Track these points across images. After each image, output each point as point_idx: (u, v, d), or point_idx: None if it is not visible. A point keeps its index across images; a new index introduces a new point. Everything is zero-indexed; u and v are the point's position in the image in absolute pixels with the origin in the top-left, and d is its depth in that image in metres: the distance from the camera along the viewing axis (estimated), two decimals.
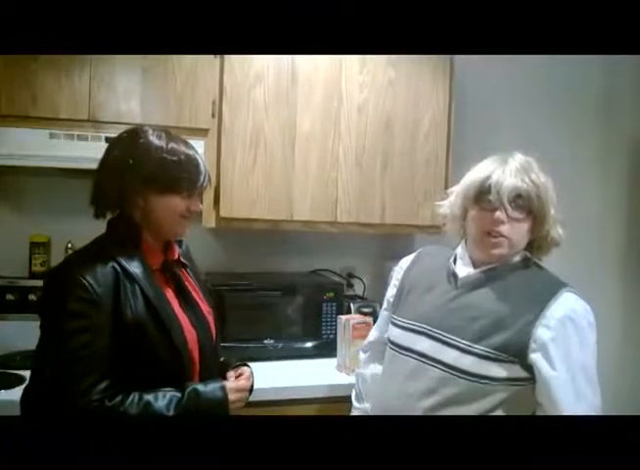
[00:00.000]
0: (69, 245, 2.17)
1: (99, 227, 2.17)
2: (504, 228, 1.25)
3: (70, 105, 1.85)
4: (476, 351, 1.22)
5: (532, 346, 1.19)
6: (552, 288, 1.25)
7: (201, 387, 1.25)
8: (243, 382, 1.38)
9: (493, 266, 1.30)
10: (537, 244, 1.32)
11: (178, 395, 1.20)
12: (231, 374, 1.42)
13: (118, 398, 1.14)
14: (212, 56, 1.98)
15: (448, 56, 2.25)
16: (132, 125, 1.86)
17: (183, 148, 1.29)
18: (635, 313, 2.95)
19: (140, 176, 1.24)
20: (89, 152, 1.82)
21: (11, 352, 1.94)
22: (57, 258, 2.17)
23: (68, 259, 1.26)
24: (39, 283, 2.06)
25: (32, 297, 2.04)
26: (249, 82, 2.03)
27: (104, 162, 1.29)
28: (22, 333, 1.99)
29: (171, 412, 1.17)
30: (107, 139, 1.84)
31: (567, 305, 1.22)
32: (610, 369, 2.88)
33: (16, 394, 1.58)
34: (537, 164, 1.30)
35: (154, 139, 1.27)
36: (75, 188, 2.15)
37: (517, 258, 1.32)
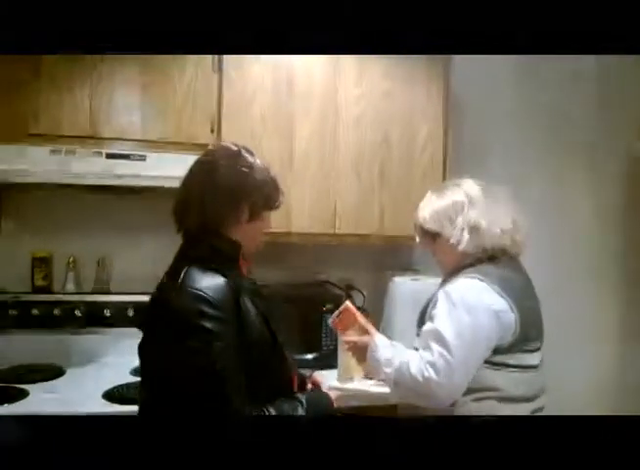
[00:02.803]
0: (71, 260, 2.19)
1: (101, 243, 2.21)
2: (430, 252, 1.65)
3: (72, 121, 1.88)
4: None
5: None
6: (458, 277, 1.49)
7: (312, 397, 1.31)
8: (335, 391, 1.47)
9: (447, 273, 1.60)
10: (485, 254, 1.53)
11: (300, 405, 1.24)
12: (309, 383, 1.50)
13: (256, 412, 1.16)
14: (211, 71, 2.00)
15: (442, 67, 2.27)
16: (133, 141, 1.93)
17: (269, 167, 1.35)
18: (633, 316, 2.95)
19: (258, 194, 1.29)
20: (90, 167, 1.85)
21: (13, 367, 1.95)
22: (59, 273, 2.19)
23: (186, 280, 1.17)
24: (41, 298, 2.10)
25: (35, 311, 2.06)
26: (247, 97, 2.06)
27: (210, 177, 1.26)
28: (25, 347, 2.02)
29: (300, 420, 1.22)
30: (107, 155, 1.87)
31: (450, 285, 1.48)
32: (608, 370, 2.90)
33: (18, 408, 1.60)
34: (449, 188, 1.60)
35: (254, 159, 1.32)
36: (77, 203, 2.20)
37: (459, 266, 1.54)
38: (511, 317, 1.41)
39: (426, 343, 1.42)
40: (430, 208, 1.59)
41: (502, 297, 1.41)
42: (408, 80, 2.24)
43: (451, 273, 1.55)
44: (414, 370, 1.40)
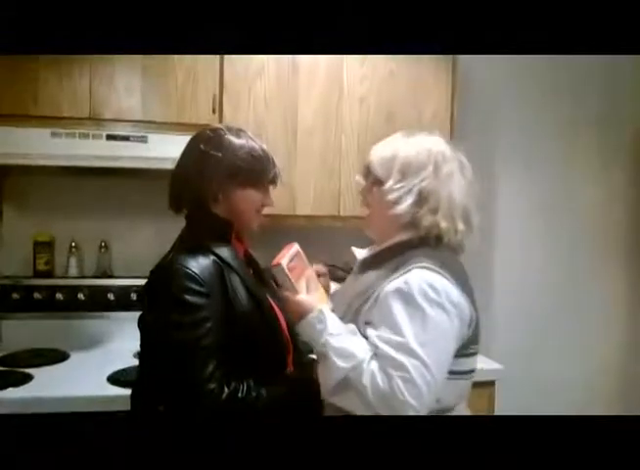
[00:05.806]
0: (73, 244, 2.17)
1: (103, 226, 2.20)
2: (362, 196, 1.37)
3: (72, 103, 1.85)
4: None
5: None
6: (408, 266, 1.19)
7: (297, 378, 1.32)
8: None
9: (378, 249, 1.34)
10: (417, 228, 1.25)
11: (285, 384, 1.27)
12: None
13: (233, 385, 1.18)
14: None
15: None
16: (133, 122, 1.91)
17: (258, 145, 1.35)
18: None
19: (227, 172, 1.29)
20: (91, 150, 1.83)
21: (17, 351, 1.95)
22: (61, 257, 2.18)
23: (173, 257, 1.24)
24: (43, 282, 2.09)
25: (37, 295, 2.05)
26: (249, 76, 2.02)
27: (187, 159, 1.33)
28: (28, 332, 2.02)
29: (281, 400, 1.24)
30: (108, 137, 1.84)
31: (402, 281, 1.16)
32: (614, 364, 2.89)
33: (23, 391, 1.60)
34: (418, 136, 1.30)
35: (235, 137, 1.32)
36: (78, 187, 2.18)
37: (396, 241, 1.28)
38: (468, 317, 1.18)
39: (386, 354, 1.10)
40: (387, 150, 1.30)
41: (462, 293, 1.17)
42: (414, 60, 2.20)
43: (389, 253, 1.28)
44: (383, 385, 1.08)
